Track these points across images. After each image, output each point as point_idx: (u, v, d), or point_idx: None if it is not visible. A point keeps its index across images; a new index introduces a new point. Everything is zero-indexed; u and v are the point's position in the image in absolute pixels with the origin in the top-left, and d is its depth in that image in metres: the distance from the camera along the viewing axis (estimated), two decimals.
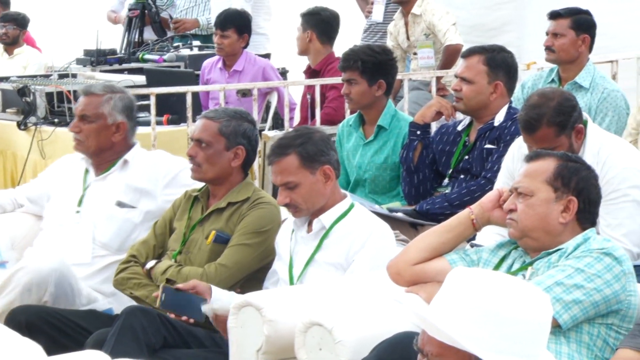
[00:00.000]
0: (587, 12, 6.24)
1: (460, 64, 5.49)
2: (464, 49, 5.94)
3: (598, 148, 4.50)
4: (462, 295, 2.67)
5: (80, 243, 4.77)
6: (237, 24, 7.78)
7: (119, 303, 4.72)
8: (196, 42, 9.04)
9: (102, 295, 4.75)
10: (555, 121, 4.45)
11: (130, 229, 4.80)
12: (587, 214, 3.66)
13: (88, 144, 4.85)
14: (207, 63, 7.97)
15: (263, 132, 7.09)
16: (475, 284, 2.68)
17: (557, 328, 3.50)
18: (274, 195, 6.01)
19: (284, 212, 4.61)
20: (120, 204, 4.81)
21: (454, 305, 2.67)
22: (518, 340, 2.66)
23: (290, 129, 6.52)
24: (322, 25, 7.58)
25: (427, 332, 2.69)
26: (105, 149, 4.87)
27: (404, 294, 3.79)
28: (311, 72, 7.55)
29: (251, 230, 4.49)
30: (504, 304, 2.65)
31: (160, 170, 4.87)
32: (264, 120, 7.75)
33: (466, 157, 5.42)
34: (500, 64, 5.36)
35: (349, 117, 6.02)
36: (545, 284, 3.50)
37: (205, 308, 4.18)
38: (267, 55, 8.67)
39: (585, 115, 4.60)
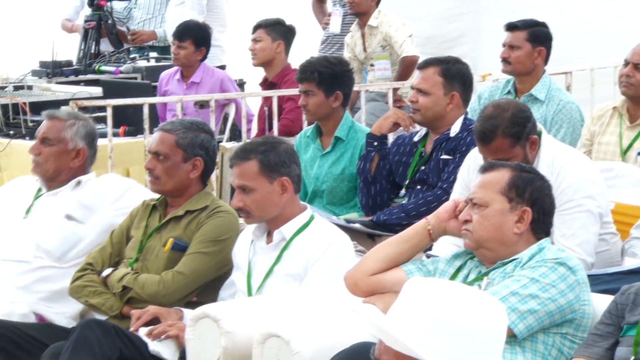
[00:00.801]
0: (543, 25, 6.29)
1: (416, 76, 5.52)
2: (420, 61, 5.97)
3: (552, 159, 4.55)
4: (419, 305, 2.68)
5: (24, 243, 4.77)
6: (195, 36, 7.78)
7: (49, 304, 4.70)
8: (153, 54, 9.03)
9: (33, 294, 4.73)
10: (510, 132, 4.49)
11: (75, 242, 4.79)
12: (541, 224, 3.69)
13: (46, 167, 4.86)
14: (164, 74, 7.96)
15: (221, 144, 7.09)
16: (432, 294, 2.70)
17: (512, 338, 3.53)
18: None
19: (243, 221, 4.63)
20: (69, 217, 4.81)
21: (411, 315, 2.68)
22: (474, 349, 2.68)
23: (248, 140, 6.53)
24: (289, 36, 7.60)
25: (384, 342, 2.70)
26: (62, 174, 4.88)
27: (361, 305, 3.80)
28: (268, 84, 7.55)
29: (209, 239, 4.49)
30: (460, 314, 2.67)
31: (110, 188, 4.89)
32: (222, 132, 7.75)
33: (422, 167, 5.45)
34: (455, 75, 5.40)
35: (307, 129, 6.03)
36: (500, 294, 3.52)
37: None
38: (222, 67, 8.67)
39: (539, 126, 4.65)
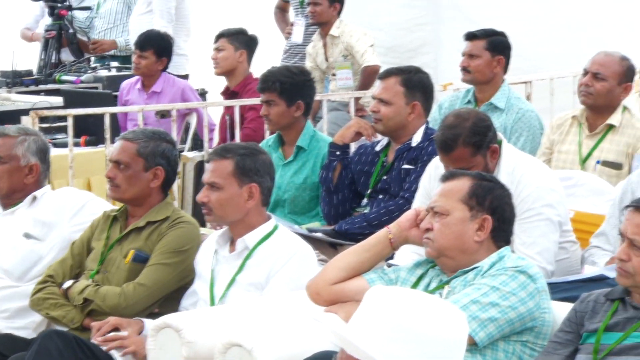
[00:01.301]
0: (502, 34, 6.34)
1: (377, 86, 5.53)
2: (381, 71, 6.00)
3: (512, 167, 4.58)
4: (380, 314, 2.69)
5: None
6: (157, 45, 7.77)
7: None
8: (114, 63, 9.00)
9: None
10: (471, 141, 4.52)
11: (35, 260, 4.76)
12: (501, 232, 3.72)
13: (0, 186, 4.83)
14: (125, 84, 7.94)
15: (182, 153, 7.08)
16: (393, 302, 2.71)
17: (473, 346, 3.54)
18: (194, 215, 6.01)
19: (204, 231, 4.63)
20: (27, 236, 4.79)
21: (372, 324, 2.69)
22: (435, 357, 2.69)
23: (210, 150, 6.53)
24: (252, 45, 7.61)
25: (346, 351, 2.71)
26: (17, 191, 4.85)
27: (323, 314, 3.80)
28: (230, 94, 7.55)
29: (170, 250, 4.49)
30: (422, 322, 2.68)
31: (67, 202, 4.87)
32: (183, 142, 7.73)
33: (384, 177, 5.46)
34: (417, 84, 5.42)
35: (268, 138, 6.04)
36: (461, 302, 3.54)
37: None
38: (186, 76, 8.66)
39: (499, 135, 4.68)
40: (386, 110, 5.40)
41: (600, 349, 3.47)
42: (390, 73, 5.47)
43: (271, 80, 5.74)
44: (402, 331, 2.67)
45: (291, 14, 8.85)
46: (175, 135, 6.72)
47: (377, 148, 5.55)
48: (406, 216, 3.90)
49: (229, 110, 7.26)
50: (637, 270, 3.48)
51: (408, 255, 4.47)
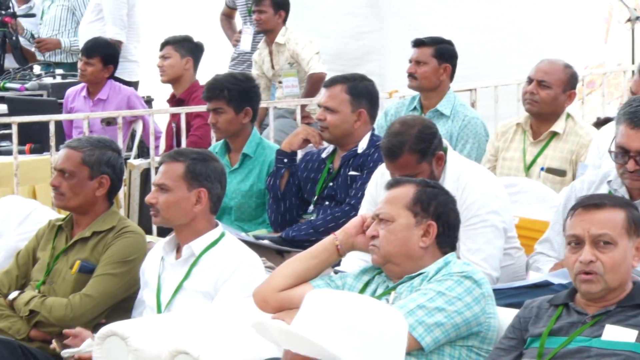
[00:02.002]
0: (449, 42, 6.39)
1: (323, 94, 5.55)
2: (326, 78, 6.02)
3: (458, 174, 4.61)
4: (321, 314, 2.72)
5: None
6: (104, 53, 7.75)
7: None
8: (59, 71, 8.95)
9: None
10: (417, 148, 4.54)
11: None
12: (446, 238, 3.75)
13: None
14: (70, 91, 7.90)
15: (128, 161, 7.05)
16: (330, 302, 2.74)
17: (420, 351, 3.57)
18: (140, 223, 5.97)
19: (150, 239, 4.62)
20: None
21: (314, 323, 2.72)
22: (378, 350, 2.73)
23: (157, 157, 6.51)
24: (197, 53, 7.60)
25: (291, 349, 2.73)
26: None
27: (269, 321, 3.81)
28: (176, 101, 7.54)
29: (117, 260, 4.47)
30: (361, 318, 2.72)
31: (12, 211, 4.85)
32: (129, 149, 7.70)
33: (331, 184, 5.48)
34: (362, 92, 5.44)
35: (215, 145, 6.03)
36: (407, 307, 3.56)
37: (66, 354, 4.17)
38: (137, 82, 8.63)
39: (445, 142, 4.71)
40: (332, 118, 5.41)
41: (544, 353, 3.50)
42: (335, 81, 5.48)
43: (218, 88, 5.73)
44: (342, 327, 2.71)
45: (237, 20, 8.85)
46: (121, 142, 6.69)
47: (323, 155, 5.57)
48: (352, 223, 3.92)
49: (175, 117, 7.25)
50: (607, 268, 3.37)
51: (355, 261, 4.48)
